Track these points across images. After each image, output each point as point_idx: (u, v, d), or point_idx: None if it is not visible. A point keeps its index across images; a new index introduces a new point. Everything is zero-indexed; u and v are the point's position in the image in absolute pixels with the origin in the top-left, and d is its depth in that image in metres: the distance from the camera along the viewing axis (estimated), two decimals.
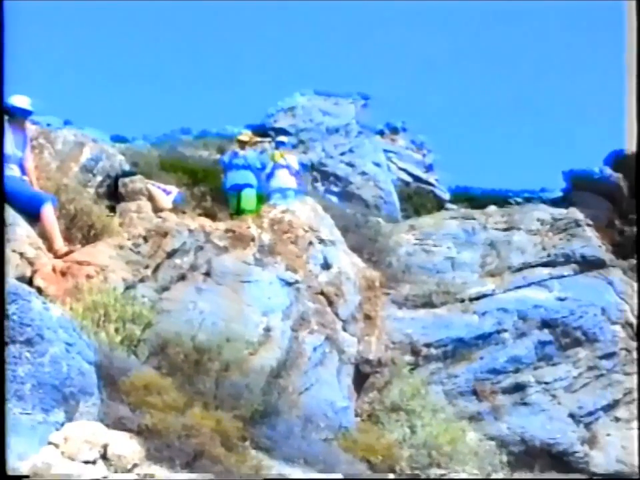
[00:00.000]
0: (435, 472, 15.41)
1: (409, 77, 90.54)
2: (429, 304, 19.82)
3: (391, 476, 14.52)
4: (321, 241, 16.77)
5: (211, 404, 12.42)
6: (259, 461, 12.32)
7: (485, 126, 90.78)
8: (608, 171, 30.67)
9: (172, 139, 30.19)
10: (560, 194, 32.81)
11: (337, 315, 16.03)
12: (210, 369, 12.98)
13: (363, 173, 31.27)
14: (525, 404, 18.82)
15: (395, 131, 38.01)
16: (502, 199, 34.47)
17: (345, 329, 16.12)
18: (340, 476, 13.15)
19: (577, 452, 18.71)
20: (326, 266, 16.47)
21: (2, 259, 11.56)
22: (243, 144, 20.17)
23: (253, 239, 15.91)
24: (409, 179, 34.77)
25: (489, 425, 18.31)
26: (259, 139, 27.40)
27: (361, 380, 16.53)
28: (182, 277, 14.91)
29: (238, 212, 19.37)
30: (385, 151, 34.51)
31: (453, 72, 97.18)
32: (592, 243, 21.87)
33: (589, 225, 22.37)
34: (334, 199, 28.47)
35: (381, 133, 36.99)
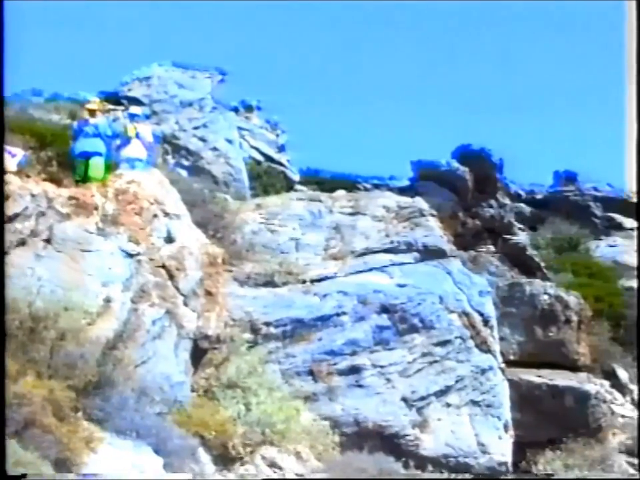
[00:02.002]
0: (267, 449, 15.59)
1: (266, 56, 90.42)
2: (270, 283, 19.91)
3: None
4: (166, 214, 16.72)
5: (44, 373, 12.31)
6: (90, 432, 12.29)
7: (342, 110, 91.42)
8: (455, 164, 31.38)
9: (22, 100, 29.40)
10: (407, 183, 33.42)
11: (177, 289, 16.03)
12: (45, 338, 12.85)
13: (215, 149, 31.13)
14: (359, 386, 19.09)
15: (249, 108, 37.98)
16: (351, 184, 34.87)
17: (185, 304, 16.13)
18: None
19: (407, 435, 19.12)
20: (169, 239, 16.43)
21: (2, 257, 11.27)
22: (92, 112, 19.87)
23: (96, 208, 15.77)
24: (260, 157, 34.78)
25: (323, 405, 18.53)
26: (110, 106, 26.98)
27: (198, 355, 16.57)
28: (22, 243, 14.70)
29: (85, 180, 19.06)
30: (239, 128, 34.41)
31: (311, 54, 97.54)
32: (434, 232, 22.26)
33: (432, 215, 22.78)
34: (183, 172, 28.24)
35: (236, 110, 36.87)
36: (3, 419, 8.63)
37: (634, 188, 37.12)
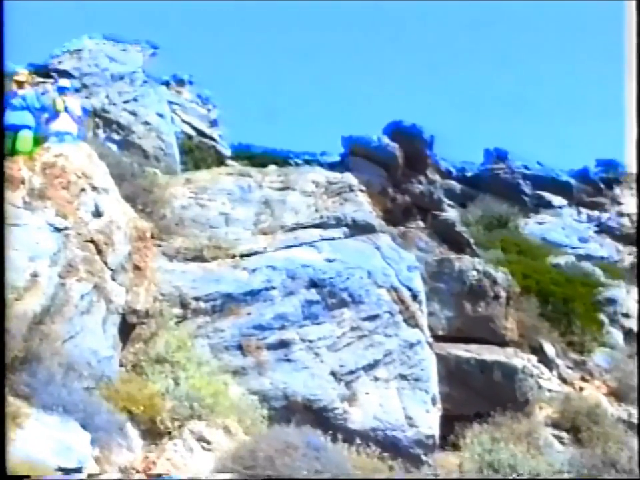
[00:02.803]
0: (195, 424, 15.60)
1: (198, 30, 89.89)
2: (199, 258, 19.87)
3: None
4: (94, 188, 16.57)
5: None
6: (17, 408, 12.20)
7: (275, 86, 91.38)
8: (385, 140, 31.50)
9: None
10: (338, 158, 33.55)
11: (105, 263, 15.92)
12: None
13: (146, 123, 30.95)
14: (288, 360, 19.17)
15: (181, 83, 37.82)
16: (283, 159, 34.96)
17: (113, 279, 16.05)
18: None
19: (336, 408, 19.25)
20: (97, 214, 16.29)
21: (2, 259, 11.08)
22: (20, 84, 19.61)
23: (23, 182, 15.59)
24: (192, 132, 34.69)
25: (252, 379, 18.60)
26: (40, 79, 26.66)
27: (127, 330, 16.50)
28: None
29: (12, 153, 18.85)
30: (170, 102, 34.24)
31: (243, 28, 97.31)
32: (363, 208, 22.37)
33: (362, 191, 22.88)
34: (113, 147, 28.01)
35: (167, 84, 36.70)
36: (3, 419, 8.57)
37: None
